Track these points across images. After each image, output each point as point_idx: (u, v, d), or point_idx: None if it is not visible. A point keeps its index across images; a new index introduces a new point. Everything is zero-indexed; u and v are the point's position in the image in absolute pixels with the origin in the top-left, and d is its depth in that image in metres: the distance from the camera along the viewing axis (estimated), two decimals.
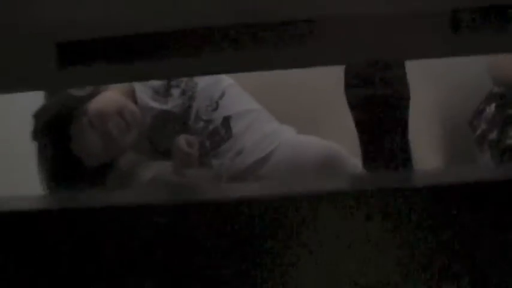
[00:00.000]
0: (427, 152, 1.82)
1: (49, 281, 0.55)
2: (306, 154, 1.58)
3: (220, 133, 1.63)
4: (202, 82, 1.69)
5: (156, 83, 1.67)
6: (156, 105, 1.68)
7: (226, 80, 1.71)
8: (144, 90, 1.66)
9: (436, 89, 1.91)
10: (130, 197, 0.62)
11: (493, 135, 1.76)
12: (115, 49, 0.69)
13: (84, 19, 0.67)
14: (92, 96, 1.63)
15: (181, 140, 1.62)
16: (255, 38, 0.76)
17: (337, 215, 0.48)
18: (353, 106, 1.85)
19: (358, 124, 1.81)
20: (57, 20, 0.69)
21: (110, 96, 1.63)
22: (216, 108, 1.66)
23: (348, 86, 1.86)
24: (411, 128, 1.84)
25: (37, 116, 1.64)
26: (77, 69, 0.75)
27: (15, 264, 0.55)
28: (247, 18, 0.76)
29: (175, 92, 1.66)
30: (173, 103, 1.66)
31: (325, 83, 1.82)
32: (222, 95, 1.67)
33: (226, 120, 1.65)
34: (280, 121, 1.71)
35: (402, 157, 1.90)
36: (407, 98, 1.92)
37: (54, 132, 1.62)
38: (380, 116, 2.11)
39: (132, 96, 1.67)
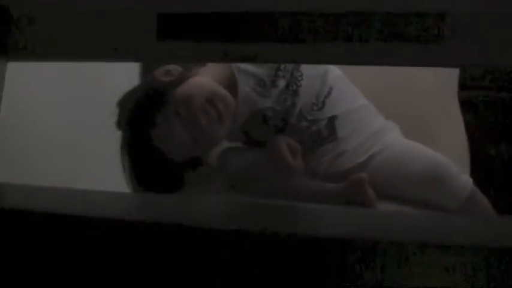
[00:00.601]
0: None
1: None
2: (411, 165, 1.44)
3: (323, 134, 1.49)
4: (308, 72, 1.50)
5: (261, 72, 1.48)
6: (258, 99, 1.47)
7: (332, 71, 1.53)
8: (246, 80, 1.46)
9: None
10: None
11: None
12: (215, 26, 0.63)
13: None
14: (180, 81, 1.45)
15: (282, 144, 1.46)
16: (385, 30, 0.69)
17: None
18: (466, 108, 1.74)
19: (470, 127, 1.70)
20: None
21: (200, 82, 1.46)
22: (322, 108, 1.50)
23: (462, 87, 1.75)
24: None
25: (121, 103, 1.48)
26: (177, 43, 0.70)
27: None
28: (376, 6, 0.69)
29: (281, 83, 1.47)
30: (276, 98, 1.46)
31: (437, 84, 1.72)
32: (329, 93, 1.49)
33: (332, 121, 1.50)
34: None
35: (510, 168, 1.78)
36: None
37: (139, 122, 1.45)
38: (493, 120, 1.99)
39: (231, 84, 1.48)
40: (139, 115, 1.42)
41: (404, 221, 0.50)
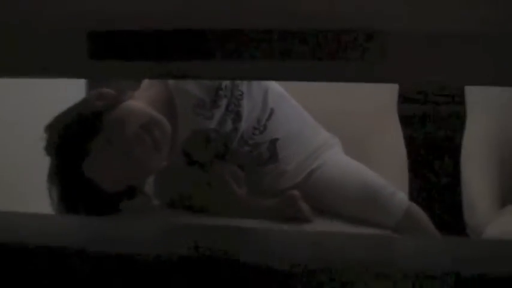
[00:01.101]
0: (479, 182, 1.72)
1: None
2: (345, 185, 1.46)
3: (264, 157, 1.47)
4: (248, 91, 1.46)
5: (200, 92, 1.41)
6: (199, 120, 1.41)
7: (272, 89, 1.50)
8: (185, 100, 1.40)
9: (493, 115, 1.81)
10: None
11: None
12: (147, 44, 0.62)
13: (116, 10, 0.61)
14: (113, 106, 1.36)
15: (228, 175, 1.42)
16: (312, 47, 0.69)
17: None
18: (405, 122, 1.76)
19: (409, 142, 1.72)
20: (90, 10, 0.63)
21: (133, 107, 1.37)
22: (263, 131, 1.46)
23: (402, 101, 1.78)
24: (463, 153, 1.75)
25: (51, 128, 1.38)
26: (109, 61, 0.69)
27: None
28: (302, 24, 0.69)
29: (223, 103, 1.42)
30: (218, 120, 1.42)
31: (377, 100, 1.74)
32: (270, 115, 1.46)
33: (273, 143, 1.48)
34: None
35: (451, 182, 1.81)
36: (463, 119, 1.83)
37: (68, 148, 1.34)
38: (433, 134, 2.02)
39: (169, 106, 1.41)
40: (70, 143, 1.31)
41: (337, 244, 0.50)
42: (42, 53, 0.74)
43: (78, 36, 0.69)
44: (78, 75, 0.77)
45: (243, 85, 1.44)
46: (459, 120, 1.89)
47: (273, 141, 1.48)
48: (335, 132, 1.59)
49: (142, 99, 1.40)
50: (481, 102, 1.82)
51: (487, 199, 1.68)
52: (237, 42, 0.67)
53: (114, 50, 0.68)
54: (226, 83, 1.41)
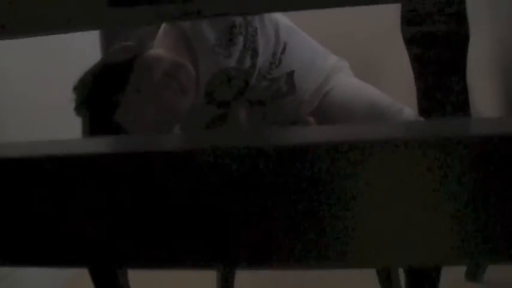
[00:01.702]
0: (485, 97, 1.77)
1: None
2: (355, 105, 1.51)
3: (283, 90, 1.52)
4: (261, 27, 1.49)
5: (216, 32, 1.45)
6: (220, 60, 1.45)
7: (282, 23, 1.54)
8: (203, 43, 1.45)
9: (497, 29, 1.84)
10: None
11: None
12: None
13: None
14: (136, 57, 1.42)
15: (243, 114, 1.47)
16: None
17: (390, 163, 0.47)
18: (410, 43, 1.80)
19: (415, 63, 1.76)
20: None
21: (157, 54, 1.42)
22: (279, 65, 1.51)
23: (405, 23, 1.81)
24: (469, 69, 1.79)
25: (77, 88, 1.43)
26: (127, 9, 0.74)
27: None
28: None
29: (239, 40, 1.47)
30: (238, 58, 1.46)
31: (380, 20, 1.78)
32: (284, 49, 1.50)
33: (290, 76, 1.52)
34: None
35: (459, 98, 1.86)
36: (467, 37, 1.86)
37: (100, 102, 1.39)
38: (438, 53, 2.06)
39: (188, 50, 1.45)
40: (101, 97, 1.39)
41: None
42: (61, 7, 0.79)
43: None
44: (99, 26, 0.82)
45: (256, 22, 1.47)
46: (463, 39, 1.92)
47: (290, 74, 1.53)
48: (343, 56, 1.64)
49: (162, 47, 1.44)
50: (483, 20, 1.85)
51: (494, 112, 1.73)
52: None
53: None
54: (239, 20, 1.44)
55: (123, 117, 1.37)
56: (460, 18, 1.98)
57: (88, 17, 0.79)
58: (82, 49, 2.24)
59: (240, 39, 1.44)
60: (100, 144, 0.60)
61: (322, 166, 0.48)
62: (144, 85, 1.36)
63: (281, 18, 1.55)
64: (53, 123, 2.17)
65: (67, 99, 1.43)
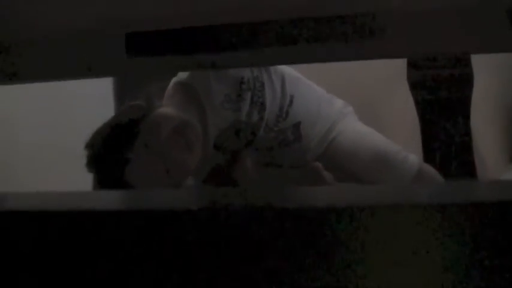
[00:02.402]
0: (489, 140, 1.81)
1: None
2: (360, 152, 1.55)
3: (289, 139, 1.56)
4: (268, 81, 1.55)
5: (225, 87, 1.51)
6: (228, 115, 1.52)
7: (288, 75, 1.58)
8: (212, 98, 1.51)
9: (501, 75, 1.89)
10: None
11: None
12: (178, 40, 0.72)
13: (151, 13, 0.71)
14: (146, 115, 1.47)
15: (250, 162, 1.52)
16: (319, 32, 0.79)
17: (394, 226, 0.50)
18: (415, 87, 1.85)
19: (420, 107, 1.81)
20: (127, 13, 0.73)
21: (165, 113, 1.48)
22: (286, 118, 1.55)
23: (411, 67, 1.86)
24: (473, 113, 1.83)
25: (90, 145, 1.48)
26: (144, 59, 0.79)
27: None
28: (308, 12, 0.78)
29: (247, 96, 1.52)
30: (246, 112, 1.52)
31: (387, 67, 1.83)
32: (291, 102, 1.54)
33: (296, 126, 1.57)
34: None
35: (463, 141, 1.89)
36: (471, 81, 1.90)
37: (110, 160, 1.45)
38: (442, 97, 2.10)
39: (197, 107, 1.52)
40: (111, 154, 1.45)
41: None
42: (83, 55, 0.84)
43: (116, 37, 0.79)
44: (116, 73, 0.87)
45: (263, 76, 1.52)
46: (467, 82, 1.97)
47: (296, 125, 1.57)
48: (348, 101, 1.68)
49: (170, 105, 1.50)
50: (487, 64, 1.90)
51: (497, 155, 1.77)
52: (252, 33, 0.77)
53: (148, 47, 0.78)
54: (248, 76, 1.50)
55: (132, 174, 1.42)
56: (465, 62, 2.03)
57: (107, 65, 0.84)
58: (94, 98, 2.30)
59: (248, 94, 1.49)
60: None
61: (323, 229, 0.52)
62: (153, 142, 1.41)
63: (287, 69, 1.58)
64: (64, 170, 2.21)
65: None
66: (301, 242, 0.51)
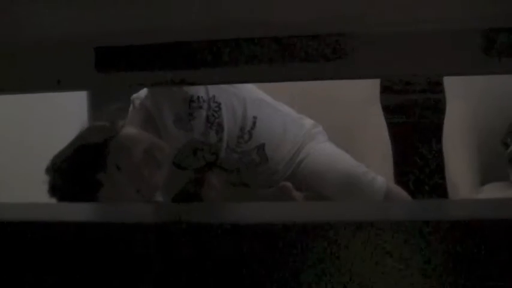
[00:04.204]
0: (460, 164, 1.82)
1: None
2: (329, 173, 1.56)
3: (255, 161, 1.56)
4: (226, 102, 1.55)
5: (175, 107, 1.53)
6: (181, 134, 1.54)
7: (251, 98, 1.58)
8: (165, 118, 1.53)
9: (472, 100, 1.91)
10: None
11: None
12: (148, 56, 0.72)
13: (119, 27, 0.70)
14: (112, 136, 1.48)
15: (218, 181, 1.53)
16: (291, 51, 0.79)
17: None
18: (388, 111, 1.86)
19: (392, 130, 1.82)
20: (96, 28, 0.72)
21: (134, 134, 1.50)
22: (249, 139, 1.55)
23: (384, 91, 1.87)
24: (445, 138, 1.85)
25: (50, 170, 1.46)
26: (114, 73, 0.78)
27: None
28: (282, 31, 0.78)
29: (199, 114, 1.55)
30: (200, 131, 1.54)
31: (361, 90, 1.84)
32: (254, 123, 1.54)
33: (261, 148, 1.57)
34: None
35: (435, 165, 1.91)
36: (444, 106, 1.92)
37: (77, 185, 1.44)
38: (415, 121, 2.12)
39: (152, 123, 1.54)
40: (80, 177, 1.44)
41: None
42: (53, 68, 0.84)
43: (85, 51, 0.79)
44: (86, 88, 0.86)
45: (219, 97, 1.52)
46: (440, 106, 1.99)
47: (261, 147, 1.57)
48: (322, 122, 1.68)
49: (133, 125, 1.51)
50: (459, 90, 1.92)
51: (468, 179, 1.78)
52: (221, 51, 0.77)
53: (117, 62, 0.77)
54: (199, 94, 1.50)
55: (105, 196, 1.42)
56: (437, 87, 2.05)
57: (77, 79, 0.83)
58: (69, 111, 2.28)
59: (201, 113, 1.49)
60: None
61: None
62: (124, 164, 1.42)
63: (249, 91, 1.58)
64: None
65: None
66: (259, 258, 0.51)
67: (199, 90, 1.53)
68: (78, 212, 0.73)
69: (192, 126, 1.52)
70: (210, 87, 1.53)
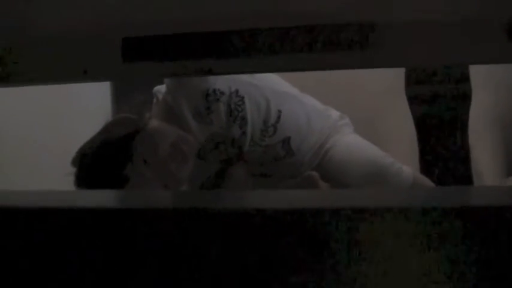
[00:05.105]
0: (486, 155, 1.81)
1: None
2: (355, 165, 1.55)
3: (280, 155, 1.55)
4: (249, 98, 1.53)
5: (193, 102, 1.52)
6: (202, 128, 1.54)
7: (274, 92, 1.57)
8: (183, 112, 1.52)
9: (497, 91, 1.90)
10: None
11: None
12: (174, 46, 0.72)
13: (146, 17, 0.70)
14: (138, 130, 1.49)
15: (242, 174, 1.53)
16: (318, 39, 0.78)
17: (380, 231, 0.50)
18: (413, 102, 1.84)
19: (418, 121, 1.80)
20: (124, 18, 0.73)
21: (161, 128, 1.50)
22: (273, 133, 1.55)
23: (410, 83, 1.86)
24: (470, 129, 1.83)
25: (77, 162, 1.46)
26: (140, 64, 0.79)
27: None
28: (309, 20, 0.78)
29: (217, 107, 1.52)
30: (220, 124, 1.54)
31: (385, 81, 1.83)
32: (279, 117, 1.52)
33: (286, 141, 1.56)
34: None
35: (461, 156, 1.89)
36: (469, 97, 1.90)
37: (108, 178, 1.44)
38: (441, 113, 2.10)
39: (174, 117, 1.54)
40: (107, 172, 1.44)
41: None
42: (79, 58, 0.84)
43: (113, 41, 0.79)
44: (112, 78, 0.86)
45: (242, 91, 1.51)
46: (465, 97, 1.97)
47: (286, 140, 1.56)
48: (347, 113, 1.67)
49: (158, 118, 1.51)
50: (484, 81, 1.90)
51: (494, 170, 1.77)
52: (249, 40, 0.76)
53: (144, 52, 0.77)
54: (215, 87, 1.49)
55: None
56: (463, 78, 2.03)
57: (103, 69, 0.83)
58: (92, 101, 2.29)
59: (220, 106, 1.49)
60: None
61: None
62: (152, 159, 1.42)
63: (272, 85, 1.57)
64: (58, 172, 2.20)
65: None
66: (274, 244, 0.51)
67: (216, 83, 1.52)
68: (96, 198, 0.73)
69: (211, 119, 1.52)
70: (232, 81, 1.53)
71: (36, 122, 2.27)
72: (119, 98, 2.29)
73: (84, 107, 2.33)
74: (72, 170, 1.46)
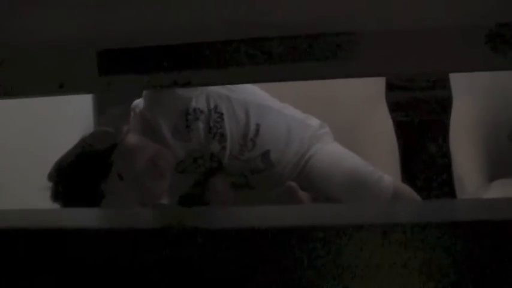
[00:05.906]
0: (467, 161, 1.81)
1: None
2: (335, 174, 1.55)
3: (260, 167, 1.55)
4: (228, 114, 1.51)
5: (172, 119, 1.52)
6: (180, 144, 1.53)
7: (253, 104, 1.55)
8: (162, 129, 1.51)
9: (478, 97, 1.90)
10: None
11: None
12: (150, 58, 0.71)
13: (122, 30, 0.69)
14: (115, 145, 1.46)
15: (222, 185, 1.52)
16: (295, 50, 0.78)
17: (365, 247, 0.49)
18: (393, 109, 1.85)
19: (398, 127, 1.81)
20: (99, 31, 0.72)
21: (138, 143, 1.48)
22: (253, 148, 1.54)
23: (389, 89, 1.86)
24: (451, 134, 1.84)
25: (56, 175, 1.45)
26: (116, 77, 0.78)
27: None
28: (286, 31, 0.77)
29: (197, 126, 1.51)
30: (198, 141, 1.53)
31: (366, 88, 1.83)
32: (257, 131, 1.53)
33: (266, 155, 1.55)
34: None
35: (442, 162, 1.90)
36: (450, 102, 1.91)
37: (84, 193, 1.41)
38: (421, 119, 2.11)
39: (152, 133, 1.53)
40: (83, 186, 1.42)
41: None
42: (55, 71, 0.83)
43: (88, 55, 0.78)
44: (89, 91, 0.85)
45: (222, 107, 1.50)
46: (446, 104, 1.98)
47: (266, 153, 1.56)
48: (327, 121, 1.67)
49: (136, 132, 1.50)
50: (465, 86, 1.91)
51: (475, 175, 1.77)
52: (224, 52, 0.76)
53: (120, 65, 0.76)
54: (195, 106, 1.49)
55: (108, 206, 1.40)
56: (443, 84, 2.04)
57: (79, 83, 0.82)
58: (75, 114, 2.28)
59: (199, 125, 1.48)
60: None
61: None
62: (127, 173, 1.41)
63: (251, 98, 1.56)
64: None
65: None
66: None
67: (197, 102, 1.51)
68: (79, 218, 0.72)
69: (190, 137, 1.51)
70: (211, 96, 1.52)
71: (18, 130, 2.24)
72: (100, 108, 2.28)
73: (66, 119, 2.31)
74: (49, 184, 1.44)
